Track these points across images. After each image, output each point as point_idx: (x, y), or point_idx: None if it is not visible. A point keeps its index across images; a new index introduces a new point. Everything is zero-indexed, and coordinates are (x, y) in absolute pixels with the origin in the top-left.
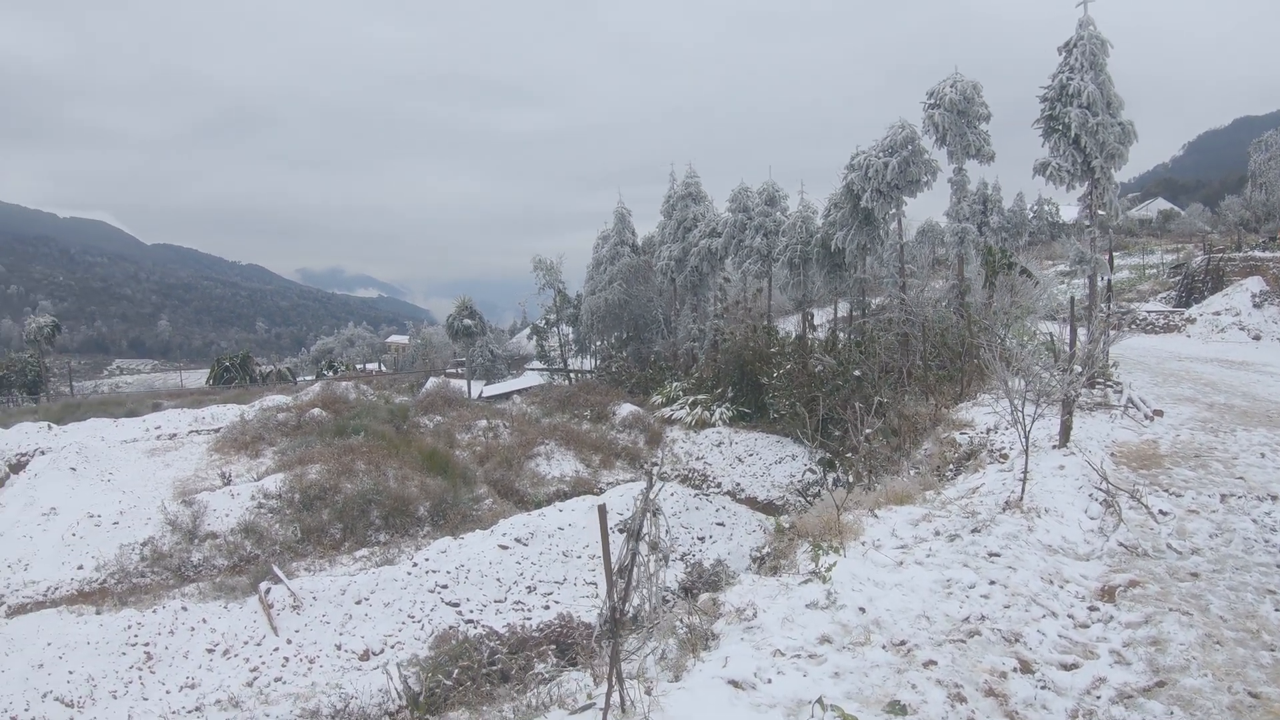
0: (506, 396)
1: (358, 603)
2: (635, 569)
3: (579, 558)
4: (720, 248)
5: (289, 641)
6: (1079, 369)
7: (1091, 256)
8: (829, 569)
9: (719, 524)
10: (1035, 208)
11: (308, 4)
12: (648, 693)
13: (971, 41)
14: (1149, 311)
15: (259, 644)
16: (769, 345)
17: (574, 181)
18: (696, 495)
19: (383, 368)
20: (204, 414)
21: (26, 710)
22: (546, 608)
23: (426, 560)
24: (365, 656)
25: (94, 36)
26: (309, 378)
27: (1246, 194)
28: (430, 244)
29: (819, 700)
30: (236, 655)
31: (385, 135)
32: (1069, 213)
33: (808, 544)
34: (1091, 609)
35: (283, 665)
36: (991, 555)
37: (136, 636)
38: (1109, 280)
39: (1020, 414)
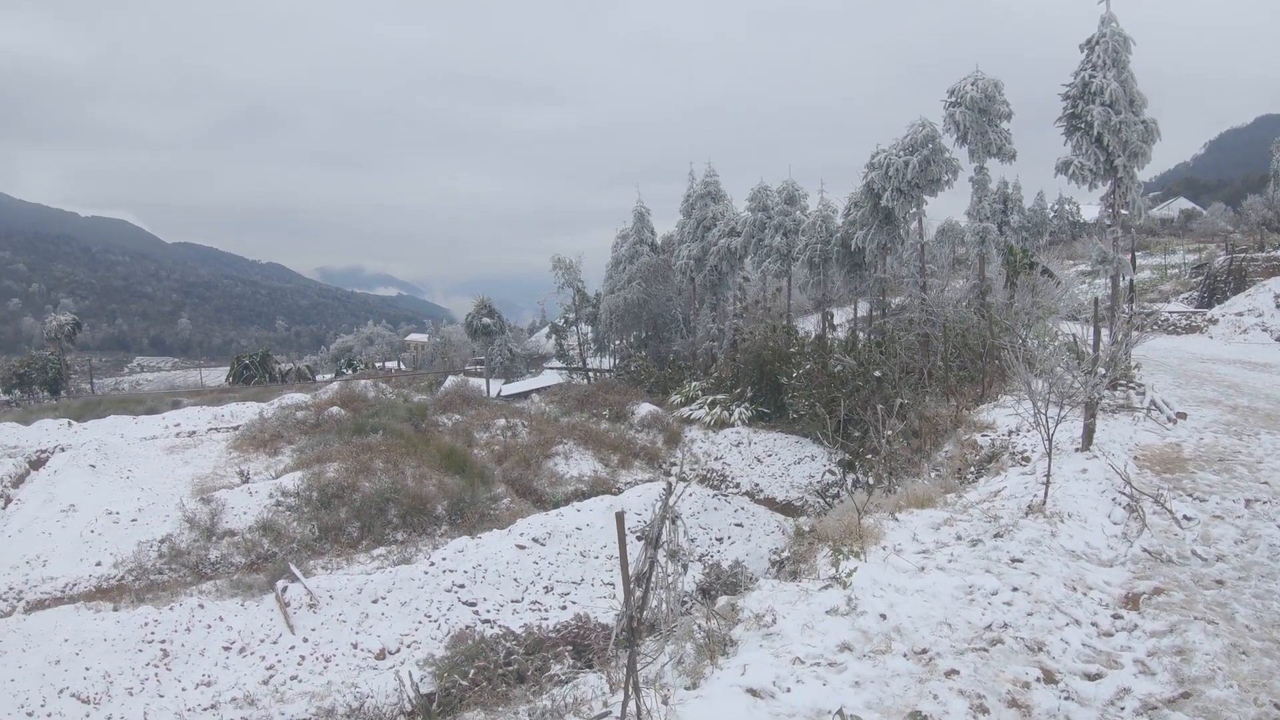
0: (525, 395)
1: (374, 602)
2: (653, 577)
3: (596, 558)
4: (739, 247)
5: (305, 640)
6: (1102, 371)
7: (1114, 256)
8: (849, 574)
9: (737, 525)
10: (1056, 207)
11: (326, 4)
12: (664, 702)
13: (991, 39)
14: (1171, 312)
15: (275, 642)
16: (788, 345)
17: (593, 180)
18: (715, 495)
19: (402, 366)
20: (223, 412)
21: (43, 706)
22: (564, 608)
23: (444, 559)
24: (381, 655)
25: (116, 38)
26: (328, 376)
27: (1269, 193)
28: (450, 242)
29: (839, 711)
30: (253, 653)
31: (406, 134)
32: (1089, 212)
33: (828, 548)
34: (1115, 617)
35: (299, 664)
36: (1014, 561)
37: (153, 634)
38: (1131, 280)
39: (1043, 416)
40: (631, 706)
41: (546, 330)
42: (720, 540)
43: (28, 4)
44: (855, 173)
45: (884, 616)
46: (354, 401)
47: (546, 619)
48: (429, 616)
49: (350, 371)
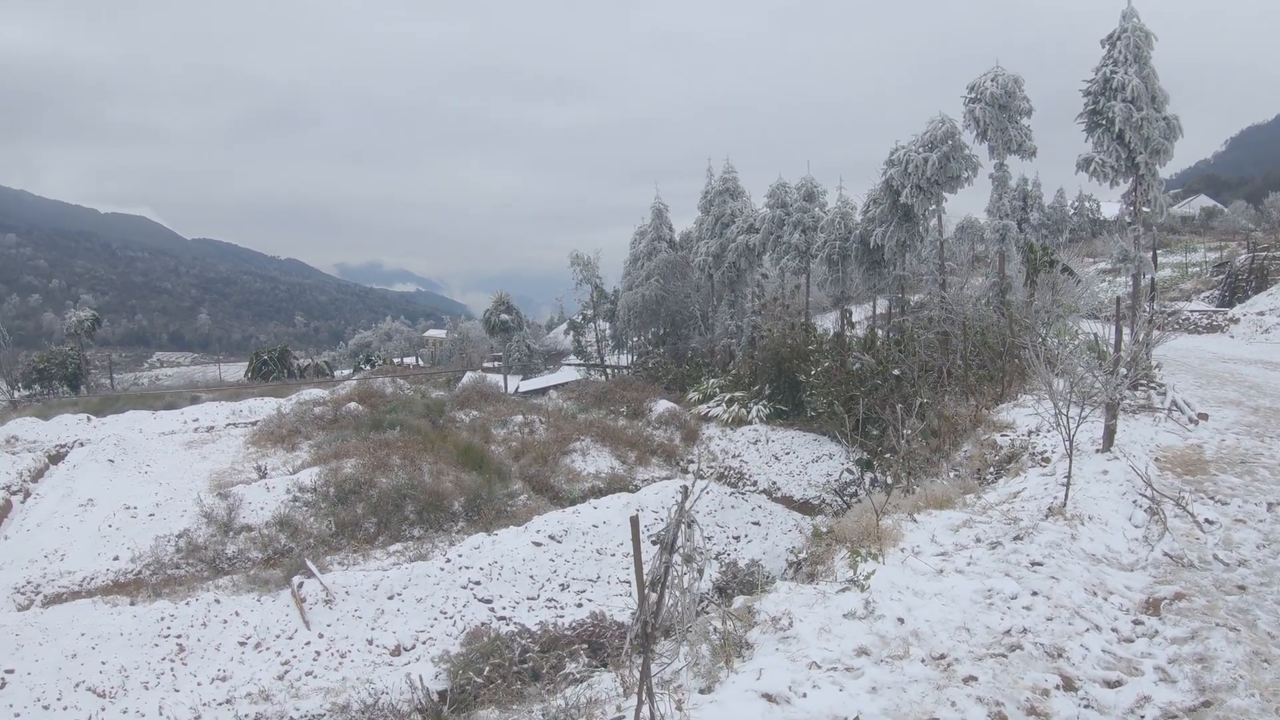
0: (543, 392)
1: (390, 598)
2: (668, 582)
3: (613, 555)
4: (758, 244)
5: (321, 636)
6: (1124, 371)
7: (1135, 254)
8: (867, 577)
9: (754, 523)
10: (1076, 204)
11: (347, 1)
12: (678, 707)
13: (1013, 34)
14: (1192, 311)
15: (291, 638)
16: (807, 342)
17: (612, 176)
18: (732, 494)
19: (420, 362)
20: (241, 407)
21: (59, 699)
22: (579, 605)
23: (460, 556)
24: (397, 652)
25: (136, 37)
26: (346, 371)
27: None
28: (468, 238)
29: (856, 718)
30: (268, 648)
31: (424, 130)
32: (1110, 209)
33: (846, 550)
34: (1136, 622)
35: (314, 659)
36: (1034, 564)
37: (169, 628)
38: (1153, 279)
39: (1064, 416)
40: (645, 711)
41: (564, 326)
42: (737, 539)
43: (51, 4)
44: (874, 169)
45: (902, 620)
46: (372, 397)
47: (562, 617)
48: (445, 613)
49: (368, 367)
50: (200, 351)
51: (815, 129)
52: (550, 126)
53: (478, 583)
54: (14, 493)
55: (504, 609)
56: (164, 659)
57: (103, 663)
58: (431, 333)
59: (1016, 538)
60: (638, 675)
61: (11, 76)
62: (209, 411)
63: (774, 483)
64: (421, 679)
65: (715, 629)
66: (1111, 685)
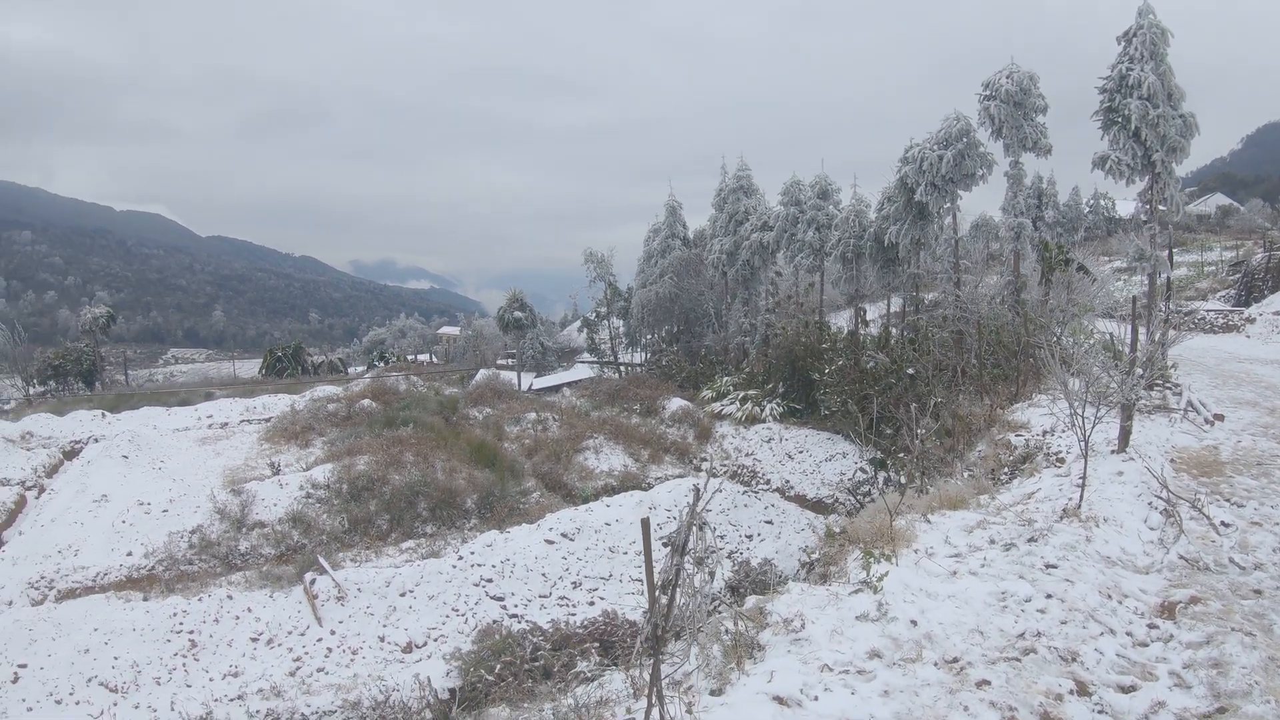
0: (556, 389)
1: (402, 595)
2: (679, 585)
3: (625, 554)
4: (772, 241)
5: (332, 632)
6: (1140, 371)
7: (1151, 253)
8: (880, 578)
9: (767, 522)
10: (1091, 202)
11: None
12: (689, 710)
13: (1027, 31)
14: (1208, 310)
15: (303, 634)
16: (821, 341)
17: (625, 174)
18: (745, 492)
19: (434, 359)
20: (255, 404)
21: (71, 694)
22: (591, 604)
23: (472, 553)
24: (408, 649)
25: (149, 36)
26: (360, 368)
27: None
28: (482, 236)
29: None
30: (280, 645)
31: (438, 128)
32: (1125, 207)
33: (859, 550)
34: (1151, 626)
35: (325, 656)
36: (1048, 567)
37: (182, 624)
38: (1168, 278)
39: (1079, 417)
40: (655, 714)
41: (578, 324)
42: (750, 537)
43: (64, 3)
44: (889, 167)
45: (915, 623)
46: (385, 394)
47: (574, 615)
48: (456, 610)
49: (382, 364)
50: (215, 348)
51: (828, 126)
52: (563, 124)
53: (490, 580)
54: (29, 488)
55: (516, 607)
56: (176, 654)
57: (115, 658)
58: (445, 330)
59: (1031, 539)
60: (648, 677)
61: (26, 76)
62: (223, 408)
63: (787, 481)
64: (430, 680)
65: (727, 630)
66: (1126, 690)
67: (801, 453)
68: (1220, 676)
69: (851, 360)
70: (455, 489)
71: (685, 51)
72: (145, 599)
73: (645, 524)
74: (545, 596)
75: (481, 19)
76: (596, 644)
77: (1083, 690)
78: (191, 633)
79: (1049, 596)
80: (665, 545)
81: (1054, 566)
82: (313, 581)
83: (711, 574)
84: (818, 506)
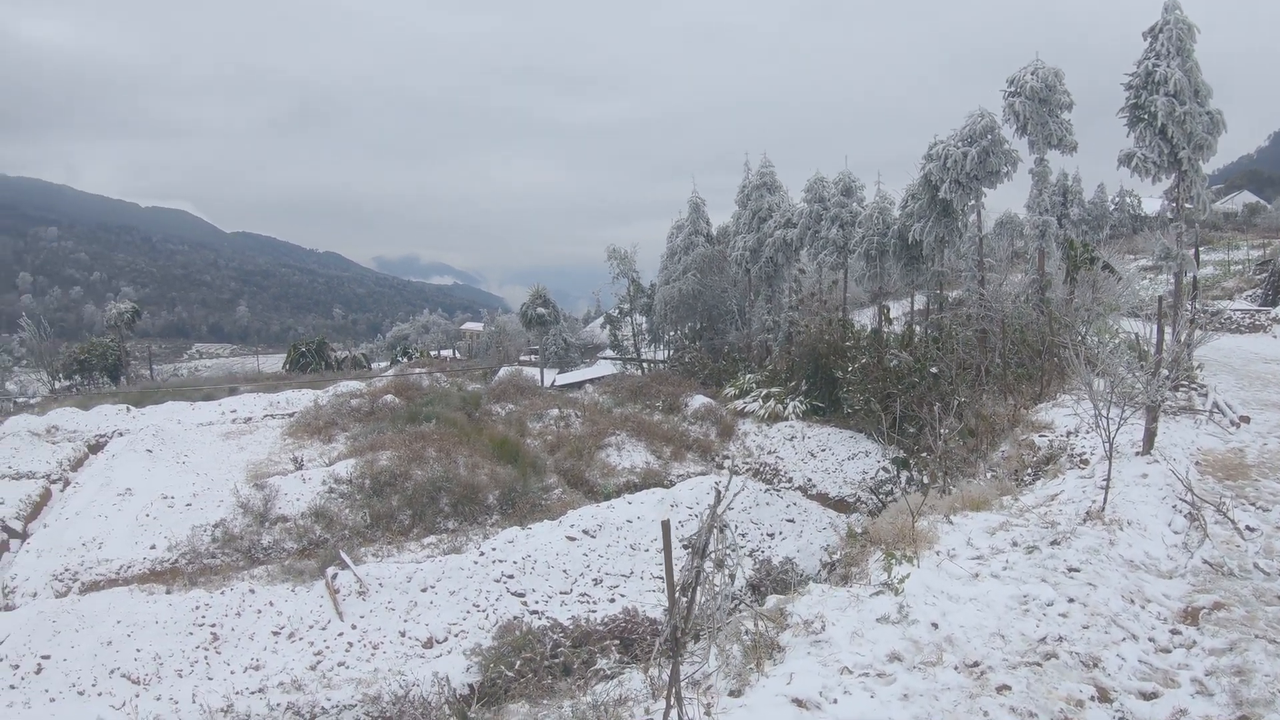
0: (579, 385)
1: (423, 590)
2: (699, 587)
3: (646, 551)
4: (795, 238)
5: (354, 627)
6: (1165, 372)
7: (1178, 252)
8: (901, 580)
9: (789, 520)
10: (1117, 199)
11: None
12: (707, 711)
13: (1052, 26)
14: (1234, 310)
15: (324, 628)
16: (844, 338)
17: (648, 170)
18: (767, 490)
19: (457, 354)
20: (279, 399)
21: (94, 685)
22: (612, 601)
23: (494, 549)
24: (429, 644)
25: (174, 34)
26: (384, 364)
27: None
28: (505, 232)
29: None
30: (301, 639)
31: (460, 125)
32: (1151, 205)
33: (880, 552)
34: (1174, 632)
35: (346, 650)
36: (1071, 570)
37: (204, 617)
38: (1195, 277)
39: (1104, 418)
40: (674, 716)
41: (601, 320)
42: (771, 536)
43: (90, 3)
44: (913, 164)
45: (936, 626)
46: (408, 390)
47: (594, 612)
48: (477, 606)
49: (405, 359)
50: (239, 343)
51: (851, 122)
52: (585, 120)
53: (511, 576)
54: (54, 481)
55: (537, 603)
56: (198, 647)
57: (138, 650)
58: (468, 326)
59: (1054, 542)
60: (667, 678)
61: (53, 74)
62: (247, 403)
63: (809, 480)
64: (449, 679)
65: (747, 630)
66: (1147, 697)
67: (824, 451)
68: (1243, 684)
69: (875, 358)
70: (477, 485)
71: (706, 47)
72: (168, 592)
73: (666, 526)
74: (566, 593)
75: (504, 16)
76: (617, 641)
77: (1104, 696)
78: (213, 626)
79: (1071, 600)
80: (686, 547)
81: (1077, 570)
82: (334, 576)
83: (732, 576)
84: (840, 505)
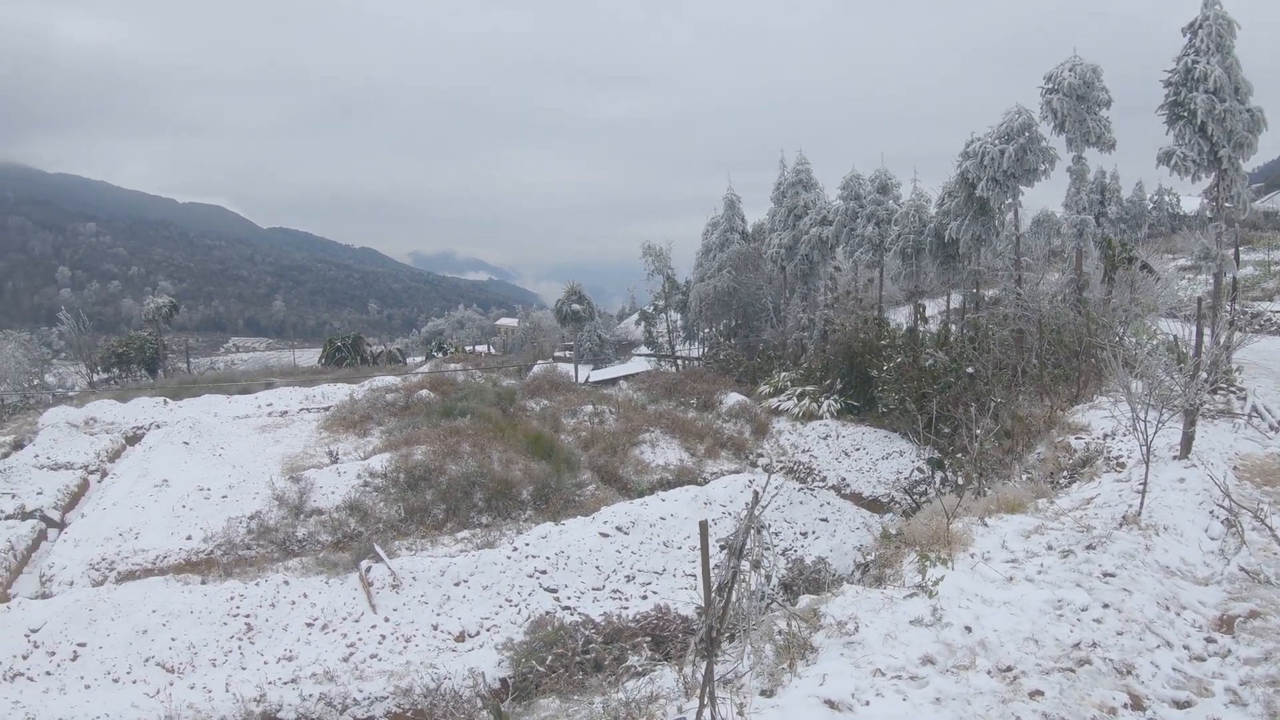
0: (613, 382)
1: (456, 584)
2: (735, 587)
3: (679, 548)
4: (831, 236)
5: (386, 620)
6: (1204, 375)
7: (1217, 253)
8: (936, 583)
9: (822, 519)
10: (1155, 198)
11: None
12: (740, 711)
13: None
14: (1274, 312)
15: (357, 620)
16: (879, 337)
17: (683, 167)
18: (801, 489)
19: (491, 350)
20: (314, 393)
21: (129, 673)
22: (644, 598)
23: (527, 545)
24: (461, 638)
25: (210, 34)
26: (419, 358)
27: None
28: (540, 228)
29: None
30: (334, 630)
31: (496, 122)
32: (1190, 203)
33: (914, 553)
34: (1208, 640)
35: (379, 643)
36: (1106, 575)
37: (239, 607)
38: (1234, 278)
39: (1141, 421)
40: (706, 715)
41: (636, 317)
42: (805, 535)
43: (133, 4)
44: (950, 161)
45: (969, 629)
46: (443, 385)
47: (627, 608)
48: (510, 601)
49: (440, 354)
50: (275, 337)
51: (885, 119)
52: (620, 117)
53: (544, 572)
54: (92, 472)
55: (569, 599)
56: (232, 637)
57: (172, 639)
58: (503, 321)
59: (1089, 546)
60: (700, 677)
61: (92, 71)
62: (283, 396)
63: (843, 479)
64: (484, 675)
65: (780, 630)
66: (1181, 706)
67: (858, 450)
68: (1278, 695)
69: (910, 358)
70: (511, 480)
71: (734, 44)
72: (203, 582)
73: (703, 526)
74: (598, 589)
75: (536, 13)
76: (648, 638)
77: (1137, 704)
78: (248, 616)
79: (1106, 606)
80: (722, 547)
81: (1112, 575)
82: (368, 569)
83: (768, 576)
84: (873, 505)
